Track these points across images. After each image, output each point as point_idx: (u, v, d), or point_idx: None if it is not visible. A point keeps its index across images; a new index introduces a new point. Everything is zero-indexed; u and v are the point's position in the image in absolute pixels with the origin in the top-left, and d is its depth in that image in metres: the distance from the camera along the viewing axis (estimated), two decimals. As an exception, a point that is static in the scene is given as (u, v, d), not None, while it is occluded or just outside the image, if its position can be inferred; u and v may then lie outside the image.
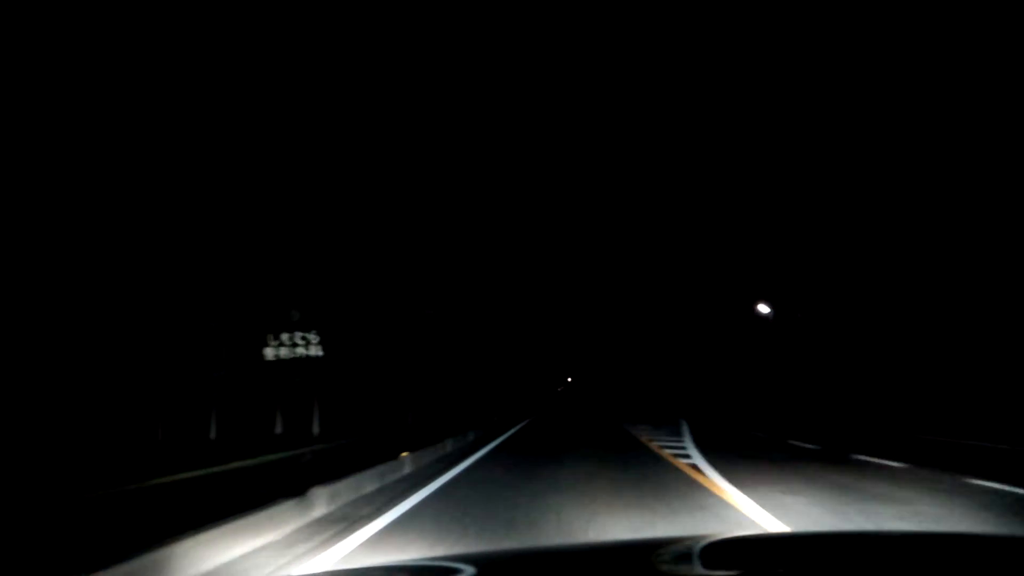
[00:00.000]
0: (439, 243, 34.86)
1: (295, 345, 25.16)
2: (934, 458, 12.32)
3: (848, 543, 2.40)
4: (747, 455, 13.55)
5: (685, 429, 22.09)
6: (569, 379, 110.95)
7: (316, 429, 25.02)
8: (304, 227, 25.50)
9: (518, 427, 26.33)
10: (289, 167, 25.74)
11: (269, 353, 25.46)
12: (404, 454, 12.25)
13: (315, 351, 24.96)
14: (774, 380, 41.93)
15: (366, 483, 9.90)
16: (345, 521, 7.42)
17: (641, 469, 11.39)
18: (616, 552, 2.36)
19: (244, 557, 5.67)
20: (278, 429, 25.51)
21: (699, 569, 1.87)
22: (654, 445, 16.20)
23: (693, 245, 56.09)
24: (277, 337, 25.32)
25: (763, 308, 43.54)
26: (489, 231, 46.20)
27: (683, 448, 15.30)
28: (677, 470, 11.23)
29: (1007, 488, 8.60)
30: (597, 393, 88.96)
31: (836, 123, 37.58)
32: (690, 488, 9.10)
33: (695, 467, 11.51)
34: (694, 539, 2.44)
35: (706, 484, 9.40)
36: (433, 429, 22.28)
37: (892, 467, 11.10)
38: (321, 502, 8.05)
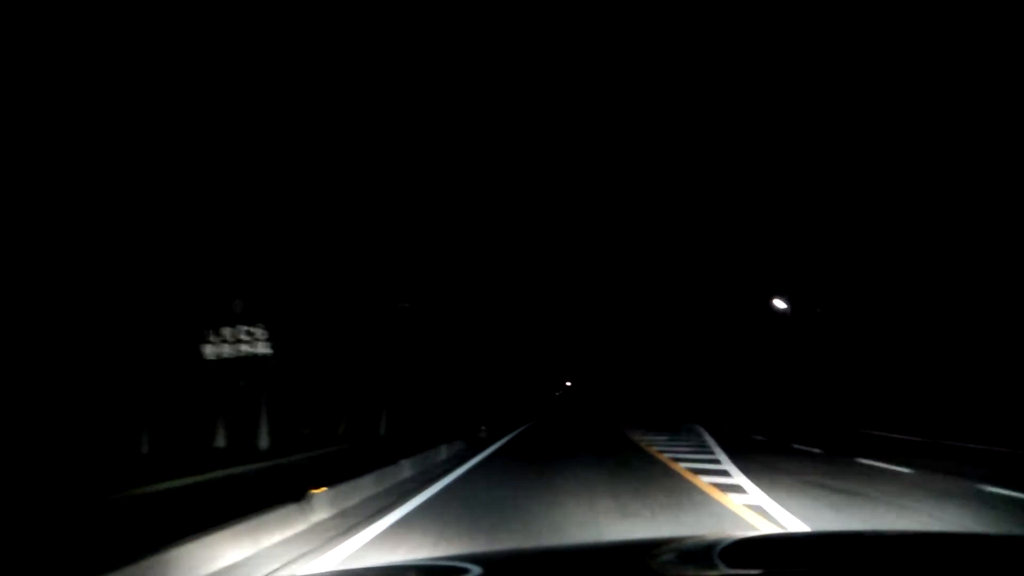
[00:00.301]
0: (420, 229, 30.73)
1: (239, 341, 21.06)
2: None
3: (863, 543, 2.23)
4: (819, 484, 9.45)
5: (711, 441, 17.95)
6: (568, 383, 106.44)
7: (264, 442, 20.86)
8: (251, 200, 21.35)
9: (508, 437, 22.23)
10: (233, 131, 21.62)
11: (209, 351, 21.35)
12: (318, 490, 8.15)
13: (262, 349, 20.86)
14: (798, 381, 37.81)
15: (227, 547, 5.83)
16: None
17: (683, 516, 7.29)
18: (624, 551, 2.26)
19: None
20: (219, 442, 21.34)
21: (709, 568, 1.82)
22: (682, 468, 12.07)
23: (699, 237, 52.06)
24: (218, 332, 21.21)
25: (779, 303, 39.64)
26: (480, 221, 42.10)
27: (722, 470, 11.22)
28: (737, 517, 7.15)
29: None
30: (599, 397, 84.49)
31: (850, 110, 33.75)
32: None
33: (761, 511, 7.44)
34: (699, 538, 2.85)
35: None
36: (404, 442, 18.46)
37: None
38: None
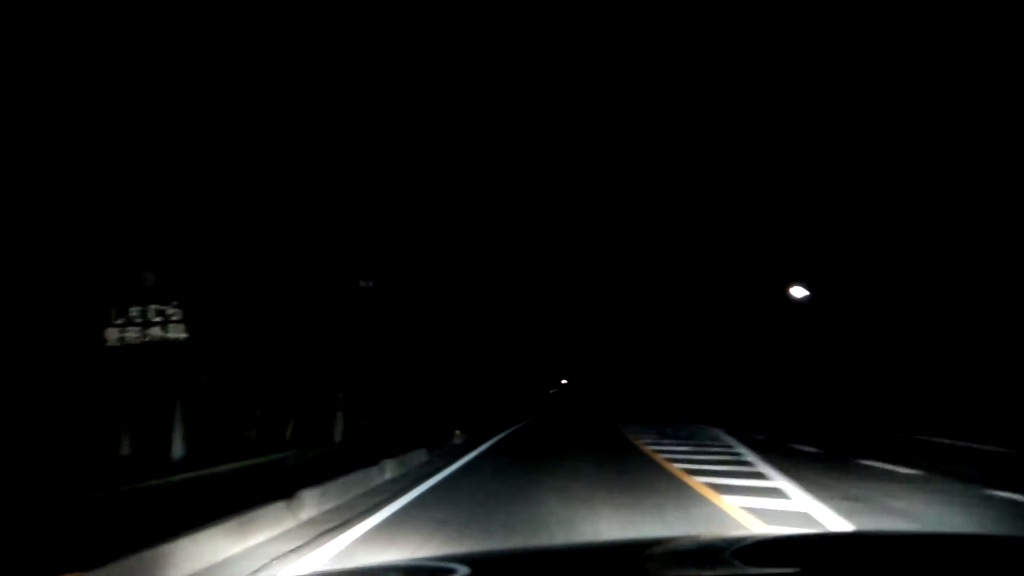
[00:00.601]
0: (396, 201, 26.49)
1: (148, 323, 16.84)
2: None
3: (872, 544, 2.13)
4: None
5: (750, 455, 13.77)
6: (564, 380, 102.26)
7: (179, 450, 16.61)
8: (167, 148, 17.10)
9: (489, 444, 18.13)
10: (148, 67, 17.33)
11: (112, 335, 17.10)
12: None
13: (176, 332, 16.65)
14: (821, 377, 33.82)
15: None
16: None
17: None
18: (621, 551, 2.15)
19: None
20: (124, 449, 17.08)
21: (721, 567, 1.76)
22: (728, 504, 7.92)
23: (705, 220, 48.03)
24: (123, 312, 16.99)
25: (797, 291, 35.67)
26: (469, 203, 37.96)
27: (801, 512, 7.13)
28: None
29: None
30: (598, 395, 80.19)
31: (879, 83, 29.80)
32: None
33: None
34: (697, 538, 2.92)
35: None
36: (356, 452, 14.60)
37: None
38: None
